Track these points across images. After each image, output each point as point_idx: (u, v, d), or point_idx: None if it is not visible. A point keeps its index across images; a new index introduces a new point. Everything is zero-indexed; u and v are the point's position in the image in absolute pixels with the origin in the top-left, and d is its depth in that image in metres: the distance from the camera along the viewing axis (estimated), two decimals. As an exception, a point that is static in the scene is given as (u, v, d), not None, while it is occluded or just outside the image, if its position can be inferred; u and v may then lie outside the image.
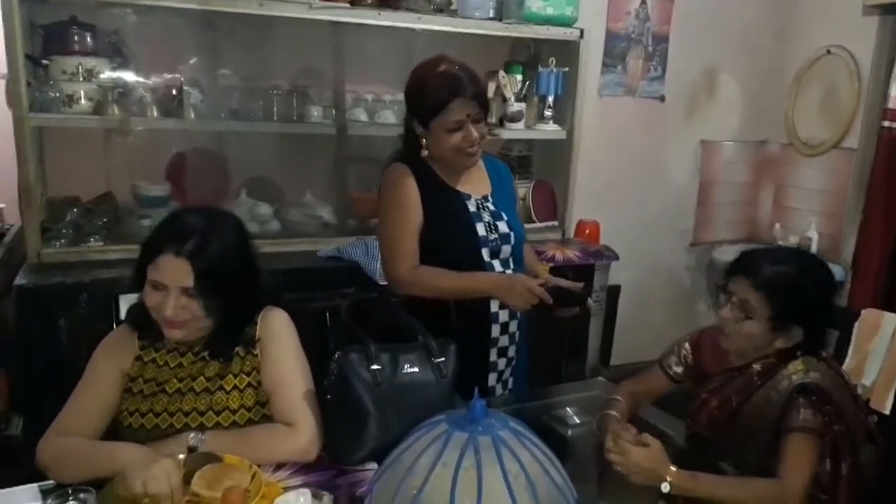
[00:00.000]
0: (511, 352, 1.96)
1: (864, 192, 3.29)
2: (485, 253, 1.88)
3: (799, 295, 1.52)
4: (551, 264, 2.74)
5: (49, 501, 1.08)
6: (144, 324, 1.47)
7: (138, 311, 1.48)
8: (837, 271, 3.32)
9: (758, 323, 1.52)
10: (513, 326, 1.94)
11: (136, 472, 1.21)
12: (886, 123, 3.13)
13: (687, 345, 1.73)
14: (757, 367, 1.56)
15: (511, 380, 2.00)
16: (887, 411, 1.84)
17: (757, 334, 1.53)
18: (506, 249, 1.92)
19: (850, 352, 1.93)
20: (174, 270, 1.38)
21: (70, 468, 1.31)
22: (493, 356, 1.93)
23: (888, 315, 1.92)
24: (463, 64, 1.83)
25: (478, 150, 1.84)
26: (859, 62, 3.30)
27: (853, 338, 1.93)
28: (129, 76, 2.49)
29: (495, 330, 1.91)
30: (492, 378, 1.95)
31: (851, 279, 3.32)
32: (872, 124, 3.24)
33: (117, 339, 1.51)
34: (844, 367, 1.90)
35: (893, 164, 3.11)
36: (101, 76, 2.40)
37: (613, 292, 3.35)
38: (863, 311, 1.97)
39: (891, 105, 3.11)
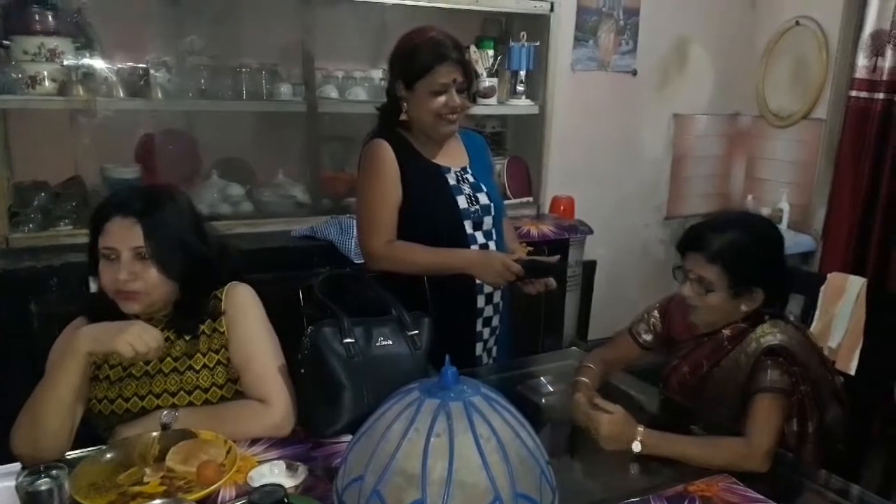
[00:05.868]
0: (495, 321, 1.99)
1: (832, 162, 3.33)
2: (467, 225, 1.90)
3: (751, 258, 1.55)
4: (526, 241, 2.76)
5: (21, 479, 1.07)
6: (101, 312, 1.43)
7: (93, 302, 1.47)
8: (808, 241, 3.38)
9: (719, 294, 1.54)
10: (497, 297, 1.97)
11: (113, 338, 1.28)
12: (853, 93, 3.16)
13: (656, 312, 1.76)
14: (726, 331, 1.59)
15: (495, 348, 2.03)
16: (853, 372, 1.89)
17: (720, 304, 1.56)
18: (487, 221, 1.94)
19: (816, 315, 1.97)
20: (123, 232, 1.37)
21: (43, 422, 1.30)
22: (479, 326, 1.96)
23: (853, 278, 1.96)
24: (450, 35, 1.85)
25: (457, 119, 1.85)
26: (827, 32, 3.33)
27: (819, 301, 1.97)
28: (93, 56, 2.43)
29: (480, 301, 1.94)
30: (478, 348, 1.98)
31: (822, 248, 3.37)
32: (840, 94, 3.28)
33: (76, 328, 1.44)
34: (811, 330, 1.95)
35: (860, 133, 3.15)
36: (65, 56, 2.35)
37: (589, 267, 3.38)
38: (829, 275, 2.01)
39: (858, 75, 3.14)
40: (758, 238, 1.59)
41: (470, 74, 1.85)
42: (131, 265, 1.37)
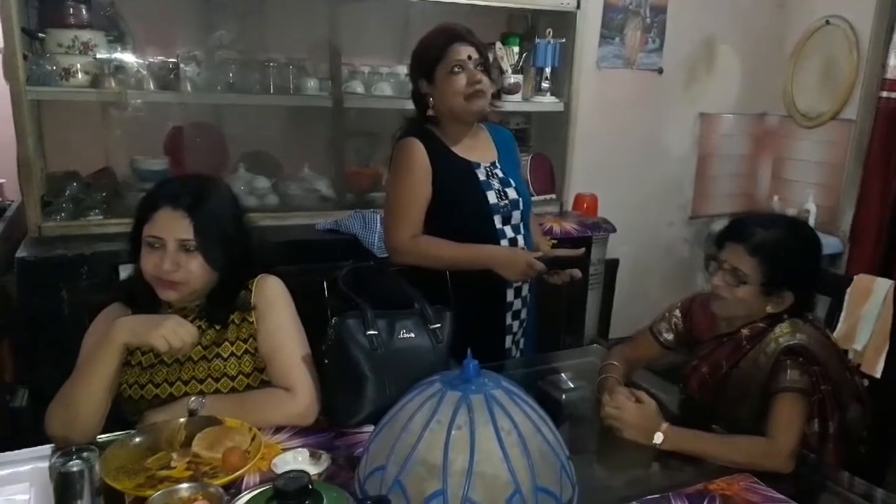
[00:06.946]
0: (523, 314, 2.02)
1: (861, 163, 3.29)
2: (497, 220, 1.92)
3: (791, 258, 1.54)
4: (549, 237, 2.76)
5: (54, 460, 1.11)
6: (137, 298, 1.47)
7: (129, 286, 1.50)
8: (835, 243, 3.33)
9: (751, 287, 1.53)
10: (525, 290, 1.99)
11: (149, 331, 1.31)
12: (885, 94, 3.12)
13: (678, 312, 1.75)
14: (745, 331, 1.59)
15: (523, 340, 2.05)
16: (879, 375, 1.86)
17: (748, 299, 1.55)
18: (516, 215, 1.96)
19: (841, 317, 1.95)
20: (172, 223, 1.41)
21: (77, 407, 1.33)
22: (508, 319, 1.98)
23: (880, 280, 1.94)
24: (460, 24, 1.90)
25: (486, 94, 1.87)
26: (858, 32, 3.29)
27: (845, 303, 1.94)
28: (125, 49, 2.48)
29: (510, 294, 1.96)
30: (508, 340, 2.00)
31: (849, 251, 3.33)
32: (871, 95, 3.23)
33: (111, 314, 1.48)
34: (836, 332, 1.93)
35: (891, 134, 3.11)
36: (98, 49, 2.40)
37: (612, 266, 3.37)
38: (855, 277, 1.98)
39: (889, 75, 3.10)
40: (802, 241, 1.59)
41: (485, 54, 1.88)
42: (175, 255, 1.41)
